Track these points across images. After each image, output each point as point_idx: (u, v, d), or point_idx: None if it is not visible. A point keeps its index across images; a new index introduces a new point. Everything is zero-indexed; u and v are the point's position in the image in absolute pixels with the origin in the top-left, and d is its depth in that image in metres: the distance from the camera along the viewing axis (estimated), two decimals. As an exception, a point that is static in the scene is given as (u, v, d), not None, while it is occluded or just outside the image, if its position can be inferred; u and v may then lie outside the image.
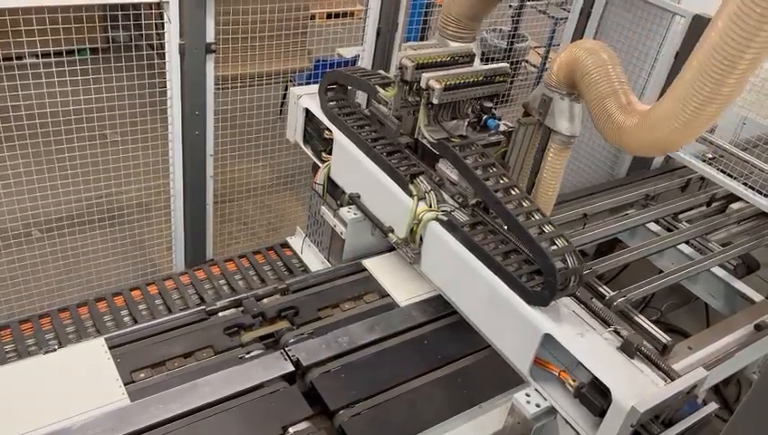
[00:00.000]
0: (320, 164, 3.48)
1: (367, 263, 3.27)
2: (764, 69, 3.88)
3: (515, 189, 2.63)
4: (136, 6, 3.60)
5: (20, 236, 3.90)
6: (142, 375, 2.57)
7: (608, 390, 2.18)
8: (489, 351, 2.74)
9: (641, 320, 3.20)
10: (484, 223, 2.73)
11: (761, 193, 3.92)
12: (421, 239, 2.83)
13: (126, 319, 3.13)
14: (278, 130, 4.47)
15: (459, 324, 2.89)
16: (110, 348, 2.62)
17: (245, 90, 4.42)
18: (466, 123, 3.12)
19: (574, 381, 2.32)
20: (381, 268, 3.25)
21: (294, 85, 3.95)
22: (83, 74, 3.51)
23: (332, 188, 3.41)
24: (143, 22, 3.77)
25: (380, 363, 2.74)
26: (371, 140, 3.12)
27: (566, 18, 5.18)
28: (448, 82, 2.87)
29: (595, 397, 2.23)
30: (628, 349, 2.33)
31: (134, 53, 3.62)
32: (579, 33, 4.85)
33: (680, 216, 4.20)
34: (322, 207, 3.37)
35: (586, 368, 2.26)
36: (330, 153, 3.38)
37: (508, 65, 3.11)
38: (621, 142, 2.45)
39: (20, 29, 3.21)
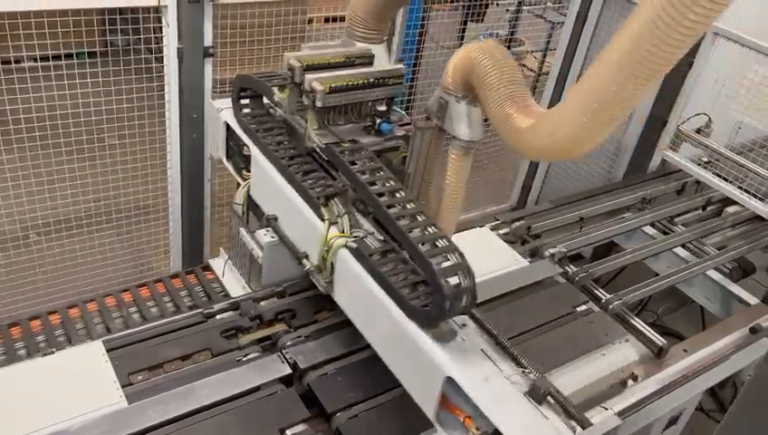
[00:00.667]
0: (241, 182, 3.29)
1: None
2: (759, 73, 3.91)
3: (400, 193, 2.52)
4: (134, 10, 3.61)
5: (18, 238, 3.90)
6: (140, 378, 2.58)
7: None
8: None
9: (637, 323, 3.21)
10: (396, 251, 2.53)
11: (756, 197, 3.94)
12: (333, 267, 2.64)
13: (117, 322, 3.12)
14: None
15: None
16: (107, 350, 2.63)
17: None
18: (362, 128, 2.95)
19: (478, 429, 2.16)
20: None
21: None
22: (81, 78, 3.51)
23: (256, 208, 3.20)
24: (141, 26, 3.78)
25: (377, 366, 2.75)
26: (289, 157, 2.92)
27: (563, 23, 5.20)
28: (333, 85, 2.70)
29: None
30: (535, 395, 2.19)
31: (132, 57, 3.63)
32: (575, 38, 4.88)
33: (676, 219, 4.22)
34: (241, 228, 3.20)
35: (487, 417, 2.11)
36: (250, 171, 3.18)
37: (402, 67, 2.96)
38: (519, 145, 2.29)
39: (18, 33, 3.22)
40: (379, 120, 2.86)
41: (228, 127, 3.33)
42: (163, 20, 3.43)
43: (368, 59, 2.96)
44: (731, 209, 4.38)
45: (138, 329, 2.84)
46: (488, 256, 3.39)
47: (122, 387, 2.49)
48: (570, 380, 2.78)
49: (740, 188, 4.02)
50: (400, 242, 2.42)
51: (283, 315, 2.97)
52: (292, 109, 2.89)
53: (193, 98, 3.71)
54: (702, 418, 4.08)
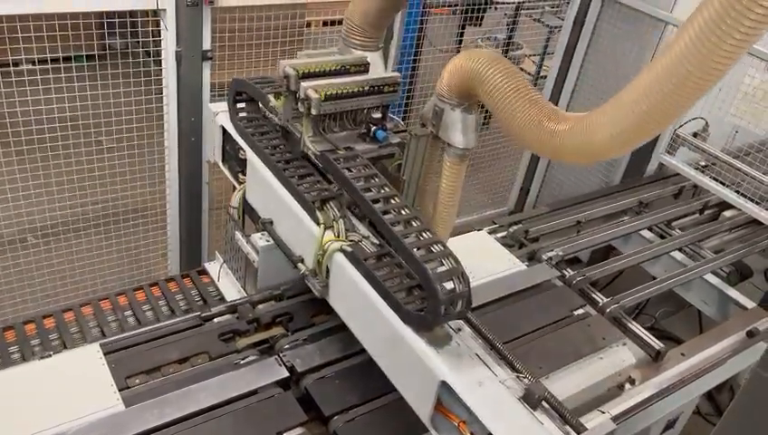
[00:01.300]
0: (237, 185, 3.29)
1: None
2: (756, 78, 3.92)
3: (395, 199, 2.52)
4: (132, 13, 3.62)
5: (15, 241, 3.90)
6: (137, 381, 2.57)
7: None
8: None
9: (634, 326, 3.22)
10: (392, 255, 2.51)
11: (753, 201, 3.95)
12: (328, 271, 2.63)
13: (113, 325, 3.10)
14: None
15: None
16: (104, 354, 2.62)
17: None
18: (357, 135, 2.94)
19: (473, 434, 2.14)
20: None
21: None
22: (80, 81, 3.51)
23: (252, 212, 3.19)
24: (140, 29, 3.79)
25: (375, 370, 2.75)
26: (284, 161, 2.91)
27: (560, 27, 5.21)
28: (328, 92, 2.70)
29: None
30: (530, 400, 2.18)
31: (131, 60, 3.63)
32: (573, 42, 4.90)
33: (673, 223, 4.23)
34: (237, 232, 3.19)
35: (481, 423, 2.10)
36: (246, 174, 3.17)
37: (399, 75, 2.97)
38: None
39: (17, 35, 3.23)
40: (374, 128, 2.86)
41: (224, 130, 3.32)
42: (162, 23, 3.44)
43: (363, 66, 2.96)
44: (728, 213, 4.39)
45: (135, 332, 2.83)
46: (486, 259, 3.40)
47: (119, 390, 2.48)
48: (567, 383, 2.78)
49: (737, 191, 4.03)
50: (396, 248, 2.42)
51: (280, 319, 2.96)
52: (288, 116, 2.90)
53: (191, 101, 3.72)
54: (699, 421, 4.09)
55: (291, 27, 4.13)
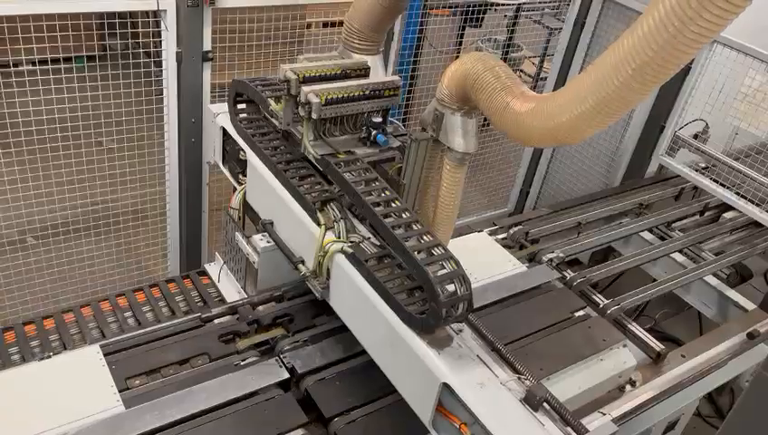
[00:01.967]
0: (237, 186, 3.29)
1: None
2: (756, 80, 3.92)
3: (396, 202, 2.52)
4: (132, 14, 3.61)
5: (15, 242, 3.89)
6: (137, 382, 2.57)
7: None
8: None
9: (635, 328, 3.22)
10: (392, 256, 2.51)
11: (753, 203, 3.95)
12: (329, 272, 2.64)
13: (112, 326, 3.10)
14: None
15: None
16: (105, 355, 2.62)
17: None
18: (358, 139, 2.95)
19: None
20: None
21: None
22: (80, 82, 3.51)
23: (252, 213, 3.20)
24: (140, 30, 3.78)
25: (376, 371, 2.74)
26: (285, 162, 2.92)
27: (560, 28, 5.22)
28: (329, 96, 2.72)
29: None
30: (531, 401, 2.18)
31: (131, 61, 3.63)
32: (573, 44, 4.90)
33: (674, 225, 4.24)
34: (237, 233, 3.18)
35: (482, 424, 2.10)
36: (246, 175, 3.17)
37: (399, 78, 2.97)
38: (520, 132, 2.29)
39: (17, 36, 3.22)
40: (374, 132, 2.87)
41: (225, 131, 3.33)
42: (162, 24, 3.43)
43: (363, 71, 2.97)
44: (728, 215, 4.40)
45: (135, 333, 2.83)
46: (486, 260, 3.40)
47: (120, 391, 2.48)
48: (568, 385, 2.78)
49: (737, 193, 4.03)
50: (397, 251, 2.42)
51: (281, 320, 2.96)
52: (288, 120, 2.91)
53: (191, 102, 3.72)
54: (699, 423, 4.09)
55: (291, 28, 4.12)
